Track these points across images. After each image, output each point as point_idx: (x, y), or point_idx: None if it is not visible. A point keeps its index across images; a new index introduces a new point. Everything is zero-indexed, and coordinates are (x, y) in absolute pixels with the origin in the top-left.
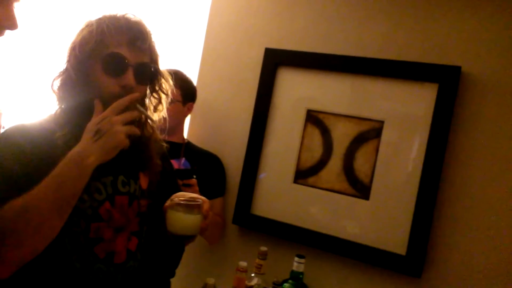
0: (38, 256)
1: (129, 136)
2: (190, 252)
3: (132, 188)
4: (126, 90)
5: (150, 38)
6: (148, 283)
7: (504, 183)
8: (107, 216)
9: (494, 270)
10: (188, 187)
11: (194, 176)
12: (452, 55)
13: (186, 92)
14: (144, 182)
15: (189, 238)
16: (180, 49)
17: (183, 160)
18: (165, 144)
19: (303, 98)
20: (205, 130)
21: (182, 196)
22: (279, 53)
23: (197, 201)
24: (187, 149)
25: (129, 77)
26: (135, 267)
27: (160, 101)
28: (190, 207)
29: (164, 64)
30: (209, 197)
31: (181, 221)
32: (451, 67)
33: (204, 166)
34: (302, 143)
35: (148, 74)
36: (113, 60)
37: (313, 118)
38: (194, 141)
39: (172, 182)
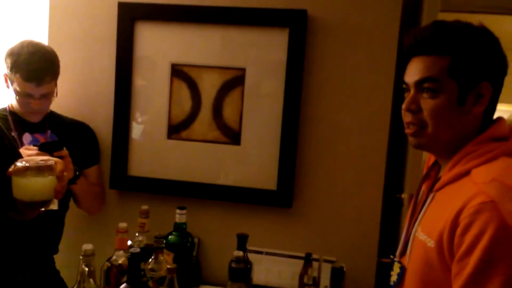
0: None
1: None
2: (70, 225)
3: None
4: None
5: None
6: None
7: (351, 108)
8: None
9: (352, 187)
10: (60, 159)
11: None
12: (299, 0)
13: (57, 76)
14: None
15: (42, 204)
16: (23, 10)
17: (48, 132)
18: None
19: (166, 52)
20: (67, 96)
21: (29, 160)
22: (134, 7)
23: (48, 162)
24: (51, 120)
25: None
26: None
27: None
28: (39, 169)
29: (9, 30)
30: (84, 166)
31: (30, 185)
32: (298, 11)
33: (73, 136)
34: (170, 98)
35: None
36: None
37: (179, 72)
38: (57, 109)
39: (11, 148)
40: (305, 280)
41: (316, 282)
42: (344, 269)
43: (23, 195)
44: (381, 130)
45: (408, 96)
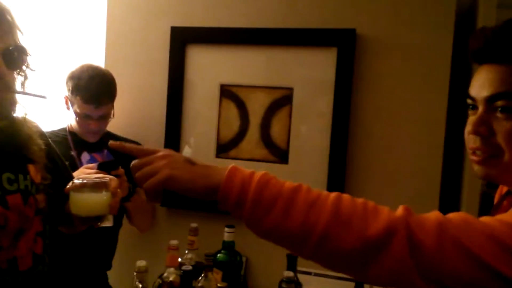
0: None
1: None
2: (123, 241)
3: (22, 184)
4: None
5: (11, 15)
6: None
7: (402, 128)
8: (2, 220)
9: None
10: (117, 178)
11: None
12: (347, 19)
13: (114, 98)
14: (36, 175)
15: (97, 219)
16: (82, 35)
17: (105, 151)
18: (37, 125)
19: (215, 73)
20: (121, 117)
21: (86, 177)
22: (186, 31)
23: (103, 179)
24: (107, 140)
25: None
26: (45, 271)
27: (26, 78)
28: (95, 185)
29: (68, 53)
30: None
31: (87, 201)
32: (347, 30)
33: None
34: (219, 118)
35: (19, 57)
36: None
37: (227, 92)
38: (112, 130)
39: (63, 169)
40: None
41: None
42: None
43: (80, 210)
44: (434, 149)
45: (476, 116)
